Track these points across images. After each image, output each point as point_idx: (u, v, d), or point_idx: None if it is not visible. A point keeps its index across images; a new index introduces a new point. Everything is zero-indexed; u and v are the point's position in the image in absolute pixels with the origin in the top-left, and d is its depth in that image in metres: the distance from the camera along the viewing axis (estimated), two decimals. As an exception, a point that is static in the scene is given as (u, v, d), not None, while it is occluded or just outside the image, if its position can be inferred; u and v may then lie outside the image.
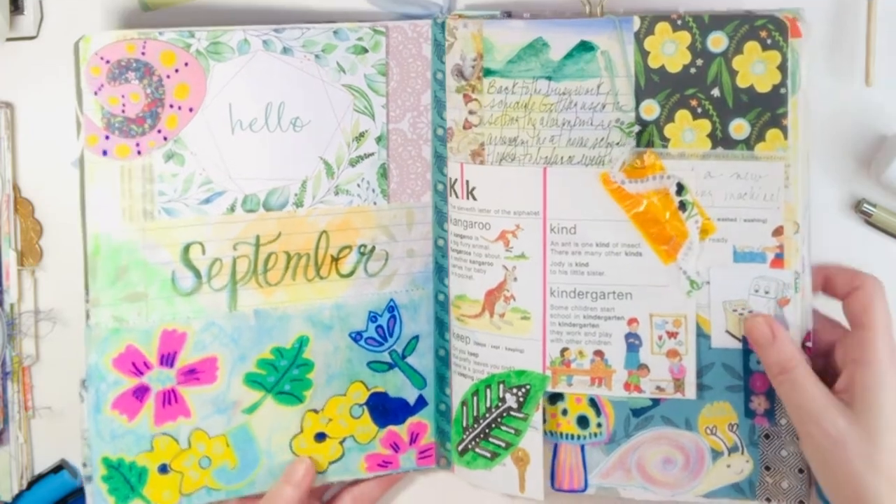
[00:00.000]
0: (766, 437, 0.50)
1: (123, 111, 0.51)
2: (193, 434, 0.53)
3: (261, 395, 0.53)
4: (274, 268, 0.54)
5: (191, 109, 0.52)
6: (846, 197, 0.55)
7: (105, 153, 0.52)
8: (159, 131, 0.52)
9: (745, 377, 0.50)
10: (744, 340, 0.49)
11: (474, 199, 0.53)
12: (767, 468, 0.50)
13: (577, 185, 0.51)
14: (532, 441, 0.53)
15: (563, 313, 0.52)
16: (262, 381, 0.53)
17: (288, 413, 0.54)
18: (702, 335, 0.50)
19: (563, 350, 0.52)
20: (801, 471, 0.50)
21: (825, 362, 0.48)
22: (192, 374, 0.53)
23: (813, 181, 0.50)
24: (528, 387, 0.52)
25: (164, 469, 0.52)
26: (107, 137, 0.51)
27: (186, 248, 0.53)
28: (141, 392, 0.52)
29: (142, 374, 0.52)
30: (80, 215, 0.51)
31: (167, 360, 0.52)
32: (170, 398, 0.53)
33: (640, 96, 0.50)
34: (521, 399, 0.52)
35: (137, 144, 0.52)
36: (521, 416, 0.53)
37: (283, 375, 0.54)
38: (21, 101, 0.59)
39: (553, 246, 0.52)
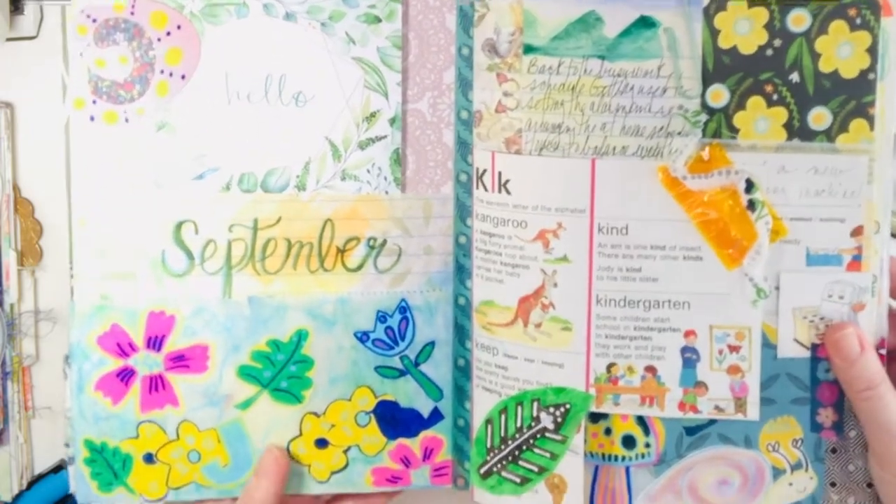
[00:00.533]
0: (833, 451, 0.51)
1: (111, 75, 0.52)
2: (182, 425, 0.55)
3: (256, 390, 0.55)
4: (273, 255, 0.54)
5: (183, 76, 0.53)
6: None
7: (92, 119, 0.53)
8: (149, 98, 0.53)
9: (812, 388, 0.51)
10: (812, 349, 0.50)
11: (508, 192, 0.52)
12: (833, 484, 0.52)
13: (630, 179, 0.50)
14: (571, 467, 0.53)
15: (610, 324, 0.52)
16: (258, 376, 0.55)
17: (285, 413, 0.55)
18: (767, 345, 0.51)
19: (610, 365, 0.52)
20: (869, 485, 0.51)
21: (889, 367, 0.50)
22: (180, 361, 0.54)
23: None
24: (567, 406, 0.53)
25: (149, 458, 0.55)
26: (94, 102, 0.53)
27: (178, 227, 0.54)
28: (126, 375, 0.54)
29: (127, 355, 0.54)
30: (65, 184, 0.54)
31: (154, 343, 0.54)
32: (157, 384, 0.54)
33: (707, 80, 0.50)
34: (560, 420, 0.53)
35: (126, 111, 0.53)
36: (558, 438, 0.53)
37: (280, 371, 0.55)
38: (21, 101, 0.62)
39: (601, 248, 0.51)
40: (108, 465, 0.54)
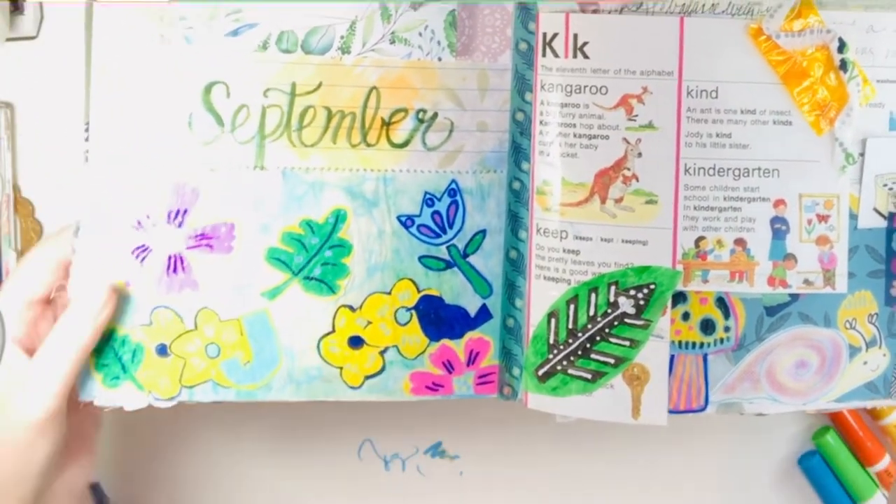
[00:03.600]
0: None
1: None
2: (201, 313, 0.50)
3: (285, 277, 0.51)
4: (311, 125, 0.50)
5: None
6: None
7: None
8: None
9: (888, 260, 0.52)
10: (889, 218, 0.52)
11: (585, 56, 0.50)
12: None
13: (720, 39, 0.50)
14: (655, 353, 0.50)
15: (699, 195, 0.51)
16: (288, 261, 0.51)
17: (318, 305, 0.51)
18: (850, 215, 0.51)
19: (699, 239, 0.51)
20: None
21: None
22: (203, 240, 0.50)
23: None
24: (652, 286, 0.51)
25: (162, 350, 0.50)
26: None
27: (208, 88, 0.49)
28: (142, 252, 0.49)
29: (145, 230, 0.49)
30: (85, 33, 0.48)
31: (175, 218, 0.49)
32: (175, 265, 0.49)
33: None
34: (643, 302, 0.51)
35: None
36: (640, 323, 0.51)
37: (314, 257, 0.51)
38: (21, 101, 0.63)
39: (690, 113, 0.50)
40: (116, 356, 0.48)
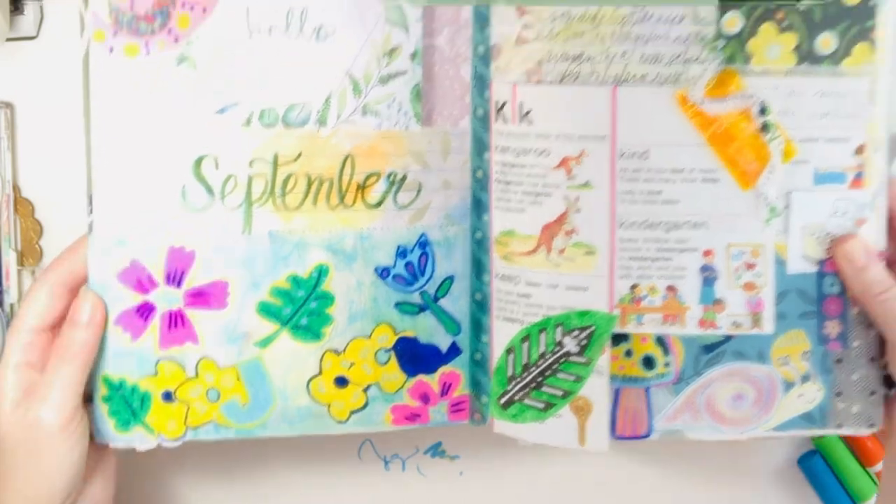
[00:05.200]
0: (838, 361, 0.57)
1: (132, 7, 0.54)
2: (201, 362, 0.56)
3: (275, 327, 0.57)
4: (293, 191, 0.56)
5: (204, 10, 0.54)
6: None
7: (112, 50, 0.54)
8: (170, 31, 0.54)
9: (819, 302, 0.56)
10: (820, 264, 0.56)
11: (530, 122, 0.56)
12: (838, 394, 0.57)
13: (650, 105, 0.55)
14: (596, 388, 0.56)
15: (632, 246, 0.56)
16: (277, 313, 0.57)
17: (305, 351, 0.57)
18: (778, 262, 0.56)
19: (633, 286, 0.56)
20: (871, 393, 0.57)
21: None
22: (200, 297, 0.56)
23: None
24: (592, 328, 0.57)
25: (168, 397, 0.56)
26: (114, 34, 0.54)
27: (198, 162, 0.55)
28: (146, 311, 0.56)
29: (147, 291, 0.56)
30: (84, 120, 0.54)
31: (174, 279, 0.56)
32: (176, 320, 0.56)
33: (722, 8, 0.54)
34: (584, 342, 0.57)
35: (147, 44, 0.54)
36: (582, 360, 0.57)
37: (300, 308, 0.57)
38: (21, 101, 0.65)
39: (623, 173, 0.55)
40: (127, 404, 0.55)
